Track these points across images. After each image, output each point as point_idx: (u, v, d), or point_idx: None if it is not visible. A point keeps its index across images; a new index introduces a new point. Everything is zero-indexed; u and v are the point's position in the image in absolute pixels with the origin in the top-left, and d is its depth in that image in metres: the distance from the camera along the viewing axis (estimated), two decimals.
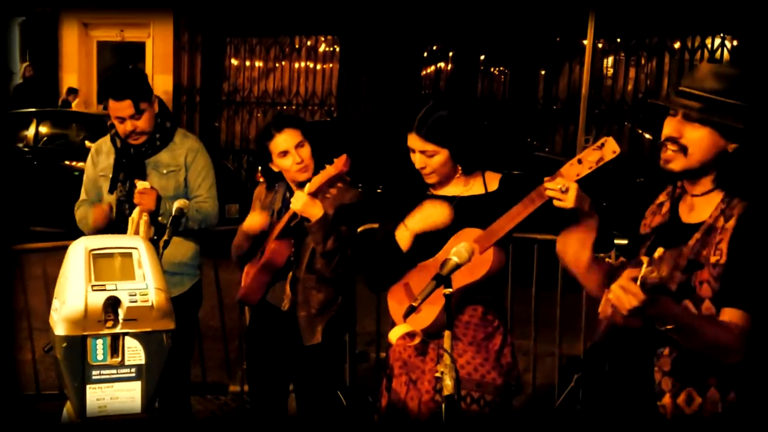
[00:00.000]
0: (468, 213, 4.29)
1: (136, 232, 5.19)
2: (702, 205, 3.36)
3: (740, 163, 3.25)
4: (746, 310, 3.11)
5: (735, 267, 3.15)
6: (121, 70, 6.01)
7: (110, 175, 5.48)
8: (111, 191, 5.45)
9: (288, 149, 4.95)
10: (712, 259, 3.20)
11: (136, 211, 5.24)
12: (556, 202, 3.74)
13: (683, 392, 3.24)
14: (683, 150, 3.27)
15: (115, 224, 5.47)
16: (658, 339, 3.25)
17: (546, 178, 3.81)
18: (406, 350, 4.31)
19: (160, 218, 5.24)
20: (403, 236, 4.32)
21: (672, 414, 3.26)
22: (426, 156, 4.28)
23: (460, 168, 4.36)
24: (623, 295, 2.94)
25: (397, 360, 4.40)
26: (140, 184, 5.32)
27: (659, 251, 2.99)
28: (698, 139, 3.24)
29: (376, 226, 6.55)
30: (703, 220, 3.30)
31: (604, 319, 3.53)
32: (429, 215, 4.25)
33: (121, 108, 5.34)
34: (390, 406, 4.40)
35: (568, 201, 3.65)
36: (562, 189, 3.70)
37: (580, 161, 3.82)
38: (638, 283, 2.92)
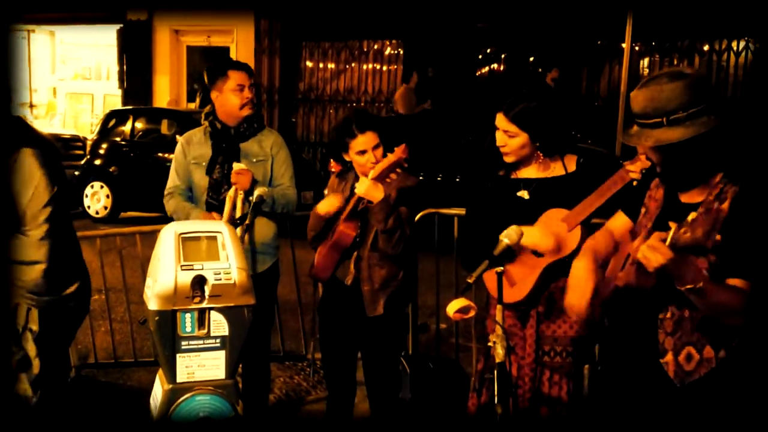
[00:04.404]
0: (551, 194, 4.34)
1: (233, 208, 5.33)
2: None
3: (740, 152, 3.29)
4: (748, 279, 3.16)
5: (734, 244, 3.17)
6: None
7: (203, 163, 5.55)
8: (208, 173, 5.53)
9: (367, 149, 4.95)
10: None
11: (232, 190, 5.36)
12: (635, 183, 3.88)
13: (683, 351, 3.33)
14: None
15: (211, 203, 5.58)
16: (661, 304, 3.35)
17: (626, 162, 3.87)
18: (505, 320, 4.30)
19: (251, 198, 5.28)
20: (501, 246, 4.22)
21: (674, 370, 3.35)
22: (507, 136, 4.36)
23: (540, 154, 4.40)
24: (652, 253, 2.99)
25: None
26: (237, 166, 5.40)
27: (693, 214, 3.12)
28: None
29: (434, 211, 6.57)
30: (701, 200, 3.32)
31: (612, 280, 3.59)
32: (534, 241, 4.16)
33: (242, 77, 5.54)
34: (487, 369, 4.51)
35: None
36: (642, 171, 3.78)
37: None
38: (668, 243, 2.99)
